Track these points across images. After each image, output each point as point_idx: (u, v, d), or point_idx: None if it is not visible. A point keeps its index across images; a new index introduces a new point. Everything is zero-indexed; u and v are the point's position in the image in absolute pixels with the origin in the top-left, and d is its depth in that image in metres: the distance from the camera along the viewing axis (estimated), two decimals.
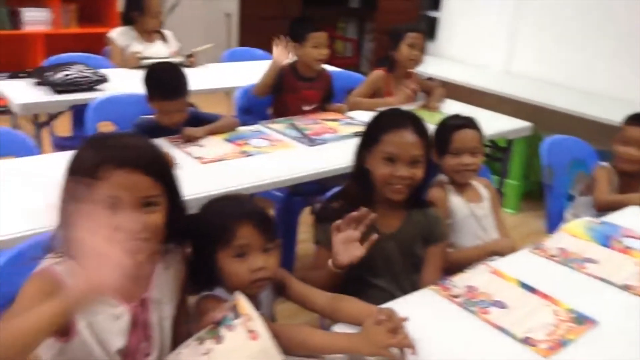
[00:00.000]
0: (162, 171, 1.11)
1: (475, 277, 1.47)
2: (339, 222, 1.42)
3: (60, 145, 2.99)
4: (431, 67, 3.48)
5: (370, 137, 1.60)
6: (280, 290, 1.32)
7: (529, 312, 1.33)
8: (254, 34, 5.95)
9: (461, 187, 1.90)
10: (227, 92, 3.66)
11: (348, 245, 1.41)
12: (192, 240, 1.24)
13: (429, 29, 4.52)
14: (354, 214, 1.42)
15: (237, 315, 1.07)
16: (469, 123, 1.89)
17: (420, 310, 1.31)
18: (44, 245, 1.11)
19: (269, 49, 4.11)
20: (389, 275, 1.59)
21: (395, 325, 1.14)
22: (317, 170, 2.07)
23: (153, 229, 1.08)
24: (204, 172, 1.96)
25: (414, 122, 1.57)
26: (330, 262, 1.42)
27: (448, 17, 4.61)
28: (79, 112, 3.01)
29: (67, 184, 1.08)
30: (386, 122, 1.59)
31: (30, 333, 0.88)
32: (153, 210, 1.08)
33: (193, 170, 1.94)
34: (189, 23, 5.49)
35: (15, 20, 4.65)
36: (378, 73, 3.00)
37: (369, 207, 1.54)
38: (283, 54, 2.71)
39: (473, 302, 1.35)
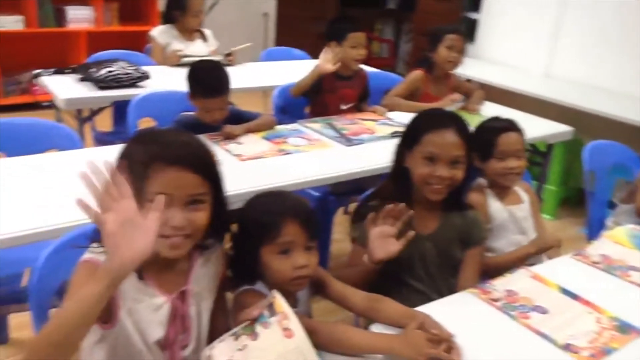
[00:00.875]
0: (209, 169, 1.13)
1: (515, 282, 1.45)
2: (373, 214, 1.42)
3: (101, 140, 3.06)
4: (470, 69, 3.45)
5: (411, 136, 1.60)
6: (318, 288, 1.32)
7: (571, 319, 1.31)
8: (290, 34, 5.99)
9: (501, 191, 1.88)
10: (264, 91, 3.69)
11: (384, 241, 1.40)
12: (236, 233, 1.26)
13: (469, 31, 4.47)
14: (391, 207, 1.42)
15: (273, 313, 1.08)
16: (512, 126, 1.87)
17: (458, 312, 1.30)
18: (88, 235, 1.14)
19: (305, 49, 4.16)
20: (426, 276, 1.58)
21: (440, 338, 1.14)
22: (354, 170, 2.07)
23: (198, 226, 1.10)
24: (243, 169, 1.98)
25: (457, 123, 1.56)
26: (365, 257, 1.43)
27: (488, 18, 4.56)
28: (119, 108, 3.08)
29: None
30: (428, 122, 1.59)
31: (76, 317, 0.91)
32: (199, 207, 1.10)
33: (232, 167, 1.96)
34: (226, 22, 5.55)
35: (60, 18, 4.78)
36: (417, 73, 2.99)
37: (406, 206, 1.54)
38: (329, 62, 2.70)
39: (513, 307, 1.33)
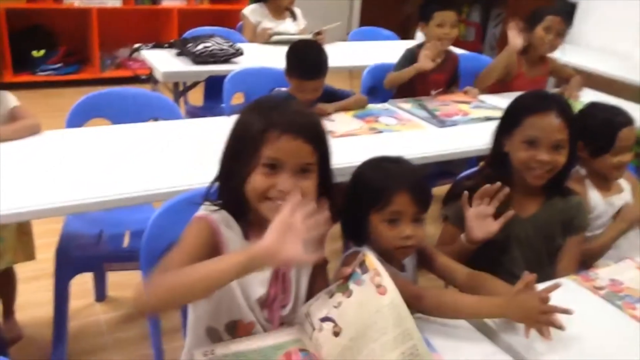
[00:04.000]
0: (321, 139, 1.15)
1: (620, 272, 1.40)
2: (467, 193, 1.40)
3: (193, 113, 3.16)
4: (568, 54, 3.29)
5: (511, 120, 1.55)
6: (423, 260, 1.33)
7: None
8: (375, 13, 5.95)
9: (602, 182, 1.80)
10: (351, 70, 3.69)
11: (482, 221, 1.39)
12: (349, 194, 1.28)
13: (567, 15, 4.27)
14: (488, 187, 1.40)
15: (365, 270, 1.10)
16: (629, 119, 1.75)
17: (559, 298, 1.26)
18: (202, 194, 1.20)
19: (390, 28, 4.11)
20: (522, 260, 1.54)
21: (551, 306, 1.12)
22: (447, 152, 2.04)
23: (305, 193, 1.13)
24: (335, 145, 1.98)
25: (559, 105, 1.50)
26: (462, 236, 1.41)
27: (588, 2, 4.34)
28: (211, 82, 3.18)
29: (232, 144, 1.14)
30: (529, 104, 1.54)
31: (215, 277, 0.97)
32: (307, 176, 1.12)
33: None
34: (312, 1, 5.57)
35: None
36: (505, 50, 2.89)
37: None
38: (429, 59, 2.61)
39: (619, 296, 1.29)
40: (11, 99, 1.82)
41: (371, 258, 1.10)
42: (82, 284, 2.24)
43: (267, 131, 1.09)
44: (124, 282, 2.29)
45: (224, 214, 1.16)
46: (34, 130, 1.82)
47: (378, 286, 1.07)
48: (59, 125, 2.01)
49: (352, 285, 1.10)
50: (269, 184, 1.09)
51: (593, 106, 1.85)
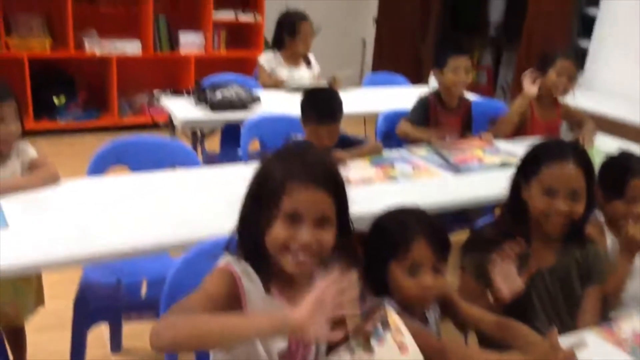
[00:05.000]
0: (340, 190, 1.16)
1: None
2: (495, 257, 1.40)
3: (210, 160, 3.20)
4: (579, 98, 3.32)
5: (528, 168, 1.56)
6: (447, 309, 1.32)
7: None
8: (387, 59, 6.04)
9: (619, 230, 1.79)
10: (365, 116, 3.74)
11: (507, 279, 1.37)
12: (368, 244, 1.28)
13: (579, 59, 4.33)
14: (509, 247, 1.39)
15: (386, 327, 1.10)
16: None
17: (582, 354, 1.25)
18: (223, 245, 1.21)
19: (402, 73, 4.18)
20: (542, 311, 1.53)
21: None
22: (464, 200, 2.05)
23: (324, 245, 1.13)
24: (352, 193, 2.00)
25: (576, 154, 1.51)
26: (490, 296, 1.40)
27: (599, 46, 4.39)
28: (227, 129, 3.24)
29: (252, 194, 1.16)
30: (546, 153, 1.54)
31: (237, 333, 0.98)
32: (326, 227, 1.13)
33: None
34: (325, 48, 5.69)
35: (173, 43, 5.09)
36: (519, 97, 2.92)
37: (523, 239, 1.51)
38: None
39: None
40: (31, 150, 1.86)
41: (393, 315, 1.10)
42: (97, 333, 2.23)
43: (286, 182, 1.09)
44: (139, 333, 2.27)
45: (244, 264, 1.16)
46: (53, 180, 1.85)
47: (400, 345, 1.06)
48: (79, 171, 2.05)
49: (373, 343, 1.09)
50: (289, 235, 1.09)
51: (618, 153, 1.84)
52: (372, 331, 1.10)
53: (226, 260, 1.17)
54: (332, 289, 0.97)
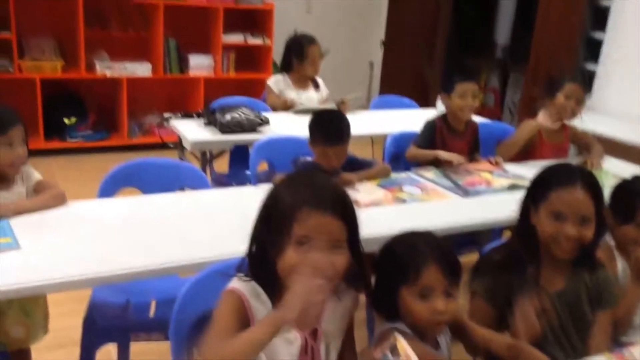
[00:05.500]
0: (350, 215, 1.17)
1: None
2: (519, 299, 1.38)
3: (219, 181, 3.23)
4: (587, 121, 3.33)
5: (537, 193, 1.56)
6: (459, 333, 1.32)
7: None
8: (395, 82, 6.08)
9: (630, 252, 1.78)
10: (373, 138, 3.76)
11: (526, 322, 1.36)
12: (378, 270, 1.29)
13: (586, 82, 4.35)
14: (531, 297, 1.37)
15: (395, 354, 1.10)
16: None
17: None
18: (234, 266, 1.23)
19: (410, 96, 4.21)
20: (551, 335, 1.52)
21: None
22: (472, 222, 2.05)
23: (337, 269, 1.14)
24: (361, 215, 2.01)
25: (585, 179, 1.51)
26: (509, 337, 1.39)
27: (607, 69, 4.41)
28: (236, 150, 3.26)
29: (263, 219, 1.17)
30: (554, 178, 1.55)
31: (250, 346, 1.03)
32: (339, 252, 1.14)
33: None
34: (333, 71, 5.74)
35: (182, 65, 5.16)
36: (531, 122, 2.93)
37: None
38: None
39: None
40: (35, 174, 1.88)
41: (402, 343, 1.10)
42: (105, 352, 2.23)
43: (297, 208, 1.11)
44: (145, 352, 2.27)
45: (253, 285, 1.18)
46: (61, 201, 1.86)
47: None
48: (88, 190, 2.07)
49: None
50: (300, 260, 1.11)
51: (630, 177, 1.84)
52: (381, 358, 1.10)
53: (235, 281, 1.19)
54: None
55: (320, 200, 1.12)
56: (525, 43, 5.39)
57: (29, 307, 1.78)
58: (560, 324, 1.51)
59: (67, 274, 1.47)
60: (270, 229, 1.15)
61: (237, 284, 1.19)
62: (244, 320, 1.15)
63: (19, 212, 1.73)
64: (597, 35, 4.55)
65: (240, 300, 1.16)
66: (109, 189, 2.10)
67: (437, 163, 2.65)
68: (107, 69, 4.84)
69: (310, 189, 1.15)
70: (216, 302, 1.17)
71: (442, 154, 2.64)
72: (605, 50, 4.47)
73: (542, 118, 2.80)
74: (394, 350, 1.11)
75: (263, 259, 1.17)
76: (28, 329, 1.77)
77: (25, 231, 1.64)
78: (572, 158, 2.87)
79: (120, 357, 2.27)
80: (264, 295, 1.18)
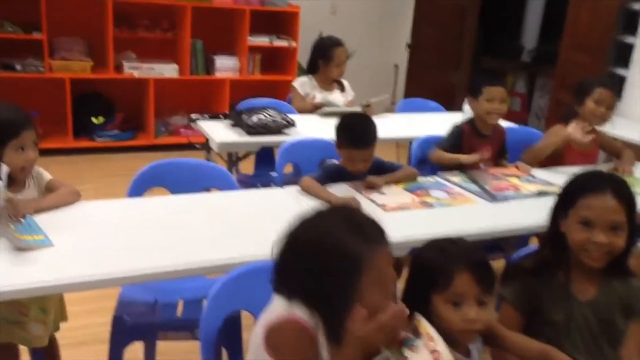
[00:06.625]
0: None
1: None
2: None
3: (244, 181, 3.24)
4: (617, 127, 3.28)
5: (566, 199, 1.55)
6: (490, 339, 1.31)
7: None
8: (420, 85, 6.06)
9: None
10: (398, 142, 3.75)
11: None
12: (410, 277, 1.29)
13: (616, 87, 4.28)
14: None
15: (418, 335, 1.11)
16: None
17: None
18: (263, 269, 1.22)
19: (435, 99, 4.18)
20: (582, 344, 1.50)
21: None
22: (500, 228, 2.03)
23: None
24: (388, 219, 1.98)
25: (615, 186, 1.49)
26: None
27: (637, 74, 4.33)
28: (262, 152, 3.28)
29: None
30: (584, 185, 1.53)
31: None
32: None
33: (377, 216, 1.99)
34: (357, 73, 5.74)
35: (209, 67, 5.20)
36: (558, 127, 2.90)
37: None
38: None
39: None
40: (45, 174, 1.89)
41: (424, 323, 1.11)
42: (132, 352, 2.26)
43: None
44: (171, 351, 2.29)
45: (316, 319, 1.11)
46: (75, 197, 1.89)
47: (432, 351, 1.07)
48: (116, 189, 2.09)
49: (406, 352, 1.10)
50: (375, 328, 1.07)
51: None
52: (404, 340, 1.11)
53: (296, 310, 1.10)
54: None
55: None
56: (552, 47, 5.34)
57: (46, 304, 1.81)
58: (592, 334, 1.49)
59: (98, 272, 1.49)
60: (333, 279, 1.07)
61: (301, 313, 1.10)
62: (312, 357, 1.11)
63: (39, 209, 1.76)
64: (628, 39, 4.48)
65: (310, 336, 1.09)
66: (138, 189, 2.13)
67: (462, 167, 2.63)
68: (135, 69, 4.91)
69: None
70: (273, 326, 1.10)
71: (464, 159, 2.62)
72: (635, 54, 4.40)
73: (573, 129, 2.75)
74: (416, 330, 1.12)
75: (328, 312, 1.09)
76: (46, 325, 1.80)
77: (54, 229, 1.66)
78: (601, 164, 2.83)
79: (147, 355, 2.30)
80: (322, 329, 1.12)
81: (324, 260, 1.08)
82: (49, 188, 1.87)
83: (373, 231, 1.12)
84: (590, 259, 1.48)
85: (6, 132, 1.70)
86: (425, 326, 1.11)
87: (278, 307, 1.13)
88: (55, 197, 1.84)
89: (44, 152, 2.00)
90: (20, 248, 1.53)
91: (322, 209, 1.20)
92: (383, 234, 1.13)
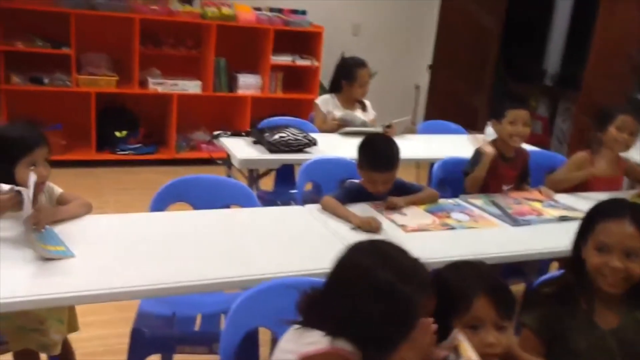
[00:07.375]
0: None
1: None
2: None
3: (264, 198, 3.26)
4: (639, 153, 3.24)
5: (586, 225, 1.54)
6: None
7: None
8: (440, 106, 6.06)
9: None
10: (418, 163, 3.75)
11: None
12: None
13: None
14: None
15: (458, 356, 1.10)
16: None
17: None
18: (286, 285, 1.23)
19: (456, 121, 4.18)
20: None
21: None
22: (521, 252, 2.01)
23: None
24: (408, 240, 1.99)
25: (635, 213, 1.48)
26: None
27: None
28: (282, 170, 3.30)
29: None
30: (603, 210, 1.52)
31: None
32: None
33: (397, 237, 1.99)
34: (379, 93, 5.76)
35: (231, 84, 5.27)
36: (581, 155, 2.88)
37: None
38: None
39: None
40: (56, 188, 1.92)
41: (465, 345, 1.10)
42: None
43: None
44: None
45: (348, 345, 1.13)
46: (88, 209, 1.92)
47: None
48: (138, 202, 2.11)
49: None
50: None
51: None
52: (444, 358, 1.10)
53: (341, 344, 1.12)
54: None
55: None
56: (575, 71, 5.31)
57: (62, 315, 1.82)
58: None
59: (118, 284, 1.50)
60: (387, 323, 1.11)
61: (345, 346, 1.12)
62: None
63: (57, 218, 1.79)
64: None
65: None
66: (161, 203, 2.16)
67: (485, 186, 2.62)
68: (159, 85, 4.99)
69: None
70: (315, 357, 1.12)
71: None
72: None
73: (598, 166, 2.74)
74: (457, 351, 1.12)
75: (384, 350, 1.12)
76: (62, 335, 1.82)
77: (75, 241, 1.68)
78: (626, 191, 2.79)
79: None
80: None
81: (385, 309, 1.11)
82: (60, 202, 1.90)
83: (424, 276, 1.17)
84: (607, 284, 1.46)
85: (18, 150, 1.73)
86: (466, 348, 1.11)
87: (315, 339, 1.14)
88: (69, 209, 1.87)
89: (67, 164, 2.04)
90: (45, 257, 1.55)
91: (368, 248, 1.24)
92: (429, 277, 1.18)
